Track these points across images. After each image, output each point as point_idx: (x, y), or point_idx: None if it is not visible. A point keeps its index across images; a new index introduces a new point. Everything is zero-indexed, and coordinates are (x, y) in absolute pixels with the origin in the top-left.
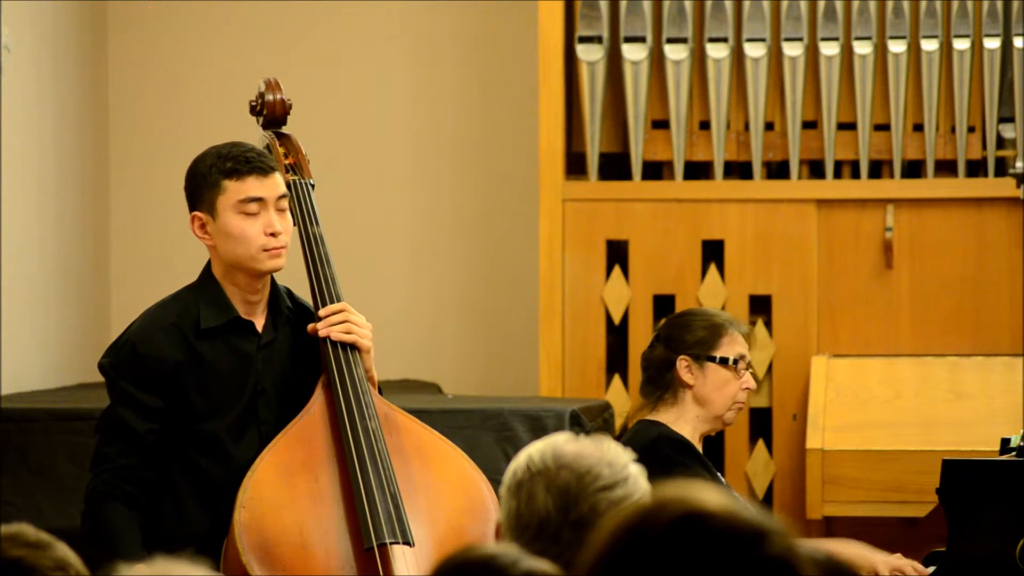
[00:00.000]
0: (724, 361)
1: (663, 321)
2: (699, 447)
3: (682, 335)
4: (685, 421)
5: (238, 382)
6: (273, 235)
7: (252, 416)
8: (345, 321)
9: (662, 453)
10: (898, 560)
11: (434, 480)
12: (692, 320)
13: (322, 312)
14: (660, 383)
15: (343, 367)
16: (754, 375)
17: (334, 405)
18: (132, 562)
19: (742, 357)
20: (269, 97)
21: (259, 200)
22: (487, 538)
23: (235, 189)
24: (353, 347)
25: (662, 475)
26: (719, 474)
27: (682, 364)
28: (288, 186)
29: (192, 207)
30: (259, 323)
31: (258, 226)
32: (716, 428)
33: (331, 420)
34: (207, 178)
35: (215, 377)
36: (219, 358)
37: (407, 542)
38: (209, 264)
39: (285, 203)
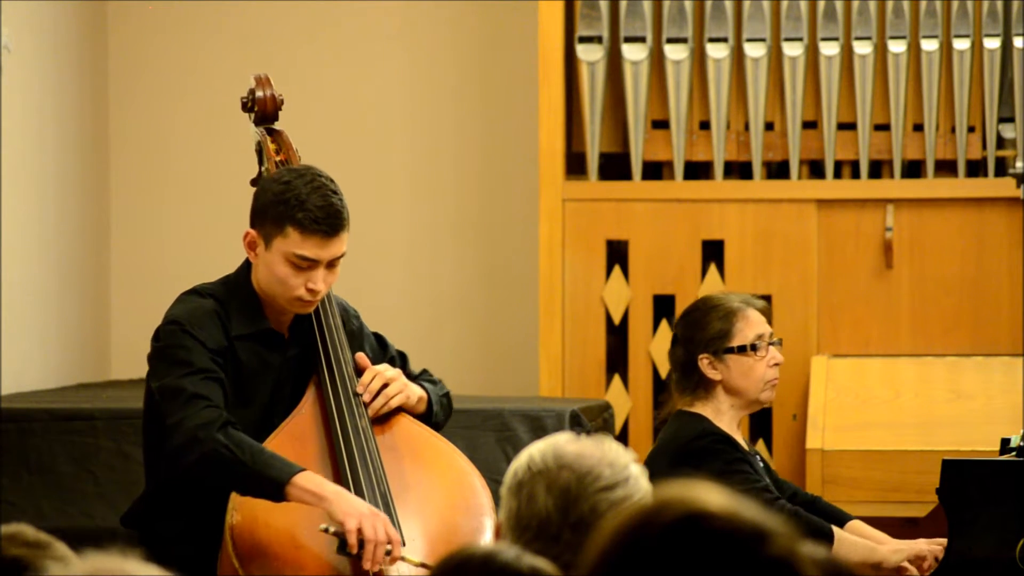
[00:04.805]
0: (742, 349)
1: (678, 317)
2: (739, 433)
3: (697, 333)
4: (722, 413)
5: (261, 386)
6: (312, 291)
7: (268, 424)
8: (384, 386)
9: (704, 447)
10: (908, 553)
11: (426, 477)
12: (704, 314)
13: (359, 388)
14: (690, 382)
15: (334, 367)
16: (780, 344)
17: (325, 405)
18: (285, 476)
19: (760, 336)
20: (260, 93)
21: (313, 260)
22: (480, 533)
23: (295, 241)
24: (344, 347)
25: (703, 466)
26: (764, 462)
27: (704, 362)
28: None
29: (252, 223)
30: (288, 333)
31: (301, 279)
32: (755, 409)
33: (322, 419)
34: (276, 211)
35: (242, 375)
36: (248, 359)
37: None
38: (248, 267)
39: (340, 260)
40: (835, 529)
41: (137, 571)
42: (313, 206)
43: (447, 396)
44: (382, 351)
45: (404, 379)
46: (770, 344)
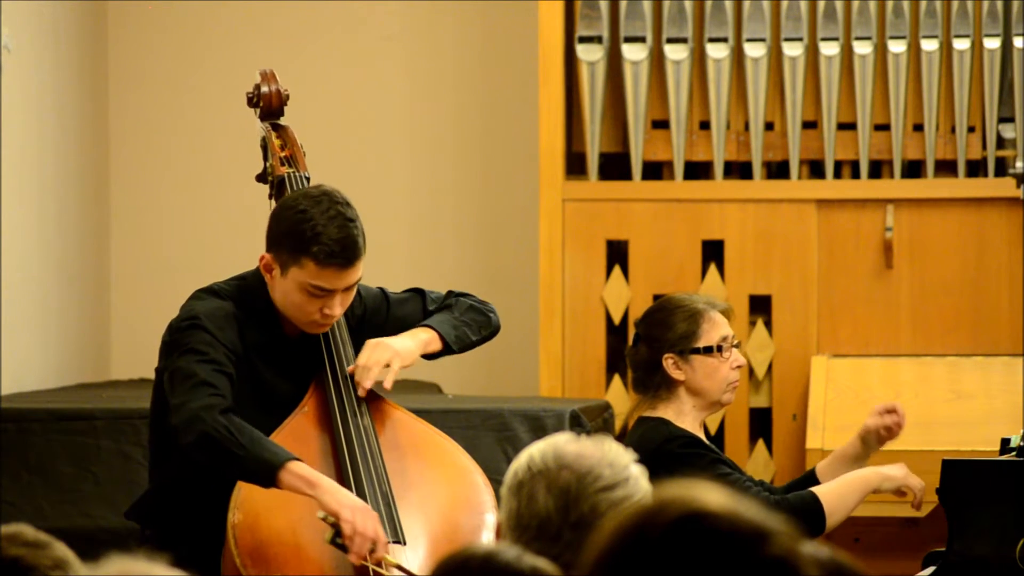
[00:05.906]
0: (708, 350)
1: (641, 317)
2: (702, 433)
3: (662, 333)
4: (685, 414)
5: (278, 393)
6: (327, 315)
7: (279, 424)
8: (369, 371)
9: (675, 452)
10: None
11: (428, 475)
12: (669, 315)
13: (360, 391)
14: (652, 382)
15: (336, 365)
16: (740, 347)
17: (326, 403)
18: (279, 460)
19: (725, 338)
20: (265, 88)
21: (329, 290)
22: (482, 531)
23: (311, 272)
24: (346, 344)
25: (677, 472)
26: (730, 460)
27: (668, 362)
28: (283, 179)
29: (268, 247)
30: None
31: (317, 304)
32: (715, 411)
33: (324, 418)
34: (292, 241)
35: (259, 382)
36: (264, 366)
37: (398, 541)
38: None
39: (356, 286)
40: (816, 492)
41: (162, 573)
42: (329, 239)
43: (472, 308)
44: (387, 307)
45: (392, 347)
46: (732, 346)
